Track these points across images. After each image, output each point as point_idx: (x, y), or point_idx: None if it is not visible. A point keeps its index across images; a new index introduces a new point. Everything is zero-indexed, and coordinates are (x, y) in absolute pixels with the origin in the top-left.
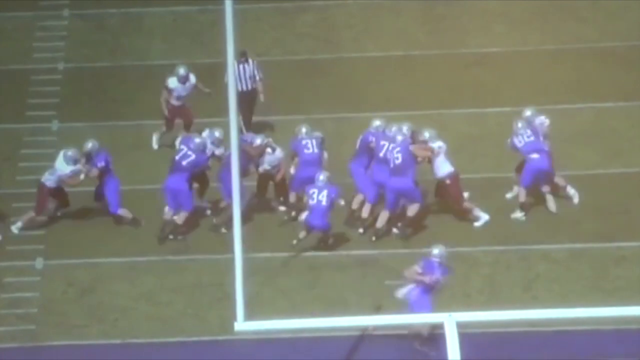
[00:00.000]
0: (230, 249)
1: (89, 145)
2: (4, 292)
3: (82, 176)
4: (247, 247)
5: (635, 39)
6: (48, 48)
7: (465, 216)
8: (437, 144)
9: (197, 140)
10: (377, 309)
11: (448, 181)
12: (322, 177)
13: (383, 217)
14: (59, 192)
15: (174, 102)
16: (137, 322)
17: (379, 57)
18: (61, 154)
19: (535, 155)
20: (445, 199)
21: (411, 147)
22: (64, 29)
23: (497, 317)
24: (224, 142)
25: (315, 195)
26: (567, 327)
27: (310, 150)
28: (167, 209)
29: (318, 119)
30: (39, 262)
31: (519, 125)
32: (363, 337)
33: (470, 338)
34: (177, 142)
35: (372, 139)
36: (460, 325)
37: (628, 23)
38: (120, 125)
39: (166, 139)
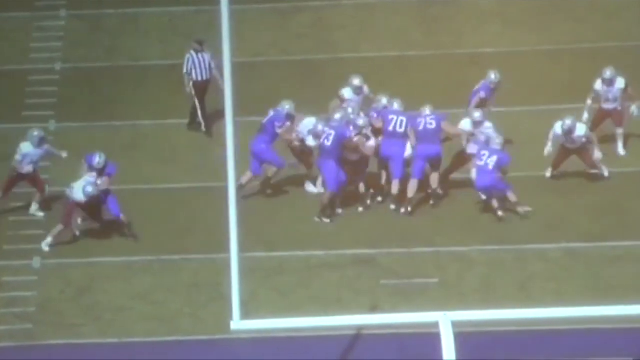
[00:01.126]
0: (226, 248)
1: (99, 160)
2: (1, 292)
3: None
4: (243, 246)
5: (632, 40)
6: (45, 48)
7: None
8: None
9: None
10: (373, 309)
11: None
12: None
13: (413, 186)
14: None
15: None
16: (133, 322)
17: (375, 57)
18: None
19: None
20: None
21: (444, 124)
22: (61, 30)
23: (492, 317)
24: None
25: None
26: (562, 327)
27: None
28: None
29: None
30: (37, 262)
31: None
32: (358, 337)
33: (465, 337)
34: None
35: (374, 114)
36: (456, 325)
37: (625, 23)
38: (116, 126)
39: (162, 137)
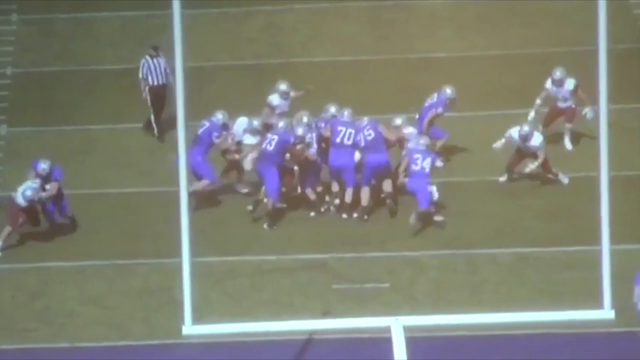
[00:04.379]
0: (178, 253)
1: (43, 166)
2: None
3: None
4: (194, 251)
5: (582, 44)
6: None
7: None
8: (409, 130)
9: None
10: (325, 314)
11: None
12: (422, 141)
13: (365, 194)
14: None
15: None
16: (85, 326)
17: (327, 61)
18: (22, 188)
19: None
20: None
21: (380, 129)
22: (12, 34)
23: (444, 321)
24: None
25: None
26: (513, 331)
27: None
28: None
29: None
30: None
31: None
32: (310, 341)
33: (417, 342)
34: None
35: (323, 125)
36: (407, 329)
37: (574, 28)
38: (68, 130)
39: (114, 142)
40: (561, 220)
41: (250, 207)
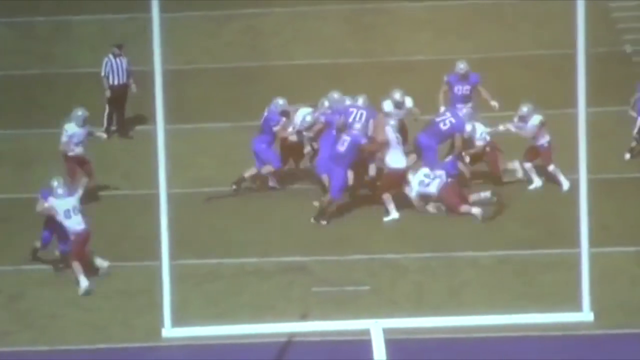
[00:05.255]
0: (157, 255)
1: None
2: None
3: None
4: (174, 253)
5: (563, 47)
6: None
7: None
8: (396, 135)
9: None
10: (304, 316)
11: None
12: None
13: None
14: None
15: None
16: (65, 329)
17: (307, 65)
18: None
19: None
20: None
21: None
22: None
23: (424, 324)
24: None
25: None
26: (493, 334)
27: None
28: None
29: (245, 127)
30: None
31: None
32: (290, 344)
33: (396, 344)
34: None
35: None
36: (387, 332)
37: (555, 31)
38: (49, 133)
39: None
40: (540, 223)
41: (234, 187)
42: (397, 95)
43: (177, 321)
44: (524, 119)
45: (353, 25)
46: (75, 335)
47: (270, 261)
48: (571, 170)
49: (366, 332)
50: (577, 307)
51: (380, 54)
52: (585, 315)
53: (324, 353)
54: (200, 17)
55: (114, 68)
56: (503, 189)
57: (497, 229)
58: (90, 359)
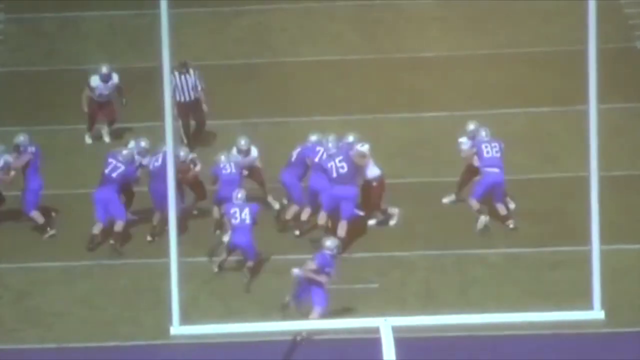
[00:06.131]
0: (165, 253)
1: (20, 138)
2: None
3: (12, 172)
4: (182, 251)
5: (569, 44)
6: None
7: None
8: (365, 146)
9: (125, 151)
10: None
11: (375, 183)
12: (240, 195)
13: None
14: None
15: (96, 99)
16: (72, 327)
17: (315, 61)
18: None
19: (494, 170)
20: (366, 199)
21: (352, 153)
22: (0, 33)
23: (433, 322)
24: (150, 151)
25: (237, 215)
26: (502, 332)
27: (229, 171)
28: (97, 223)
29: (254, 123)
30: None
31: (483, 134)
32: (297, 342)
33: (406, 342)
34: (106, 156)
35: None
36: (396, 330)
37: (562, 28)
38: (55, 130)
39: (102, 142)
40: (551, 220)
41: None
42: (104, 69)
43: (185, 319)
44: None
45: (361, 22)
46: (82, 332)
47: (279, 258)
48: (582, 167)
49: (375, 330)
50: (588, 305)
51: (388, 50)
52: (596, 313)
53: (333, 351)
54: (208, 13)
55: (180, 86)
56: (511, 185)
57: (506, 226)
58: (97, 356)
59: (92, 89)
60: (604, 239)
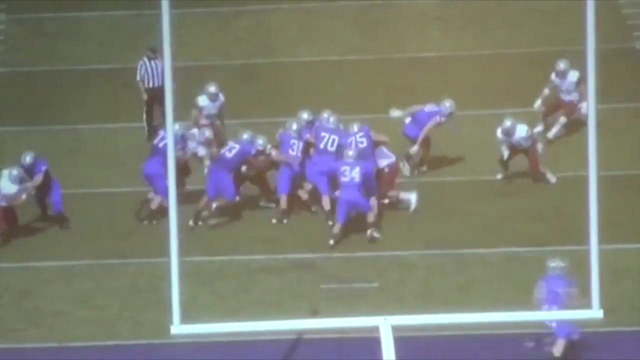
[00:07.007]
0: (166, 252)
1: (27, 158)
2: None
3: (24, 195)
4: (182, 250)
5: (569, 44)
6: None
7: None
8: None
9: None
10: (313, 313)
11: (387, 170)
12: (350, 152)
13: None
14: (8, 212)
15: (204, 121)
16: (73, 326)
17: (315, 61)
18: (5, 174)
19: None
20: (378, 185)
21: (372, 134)
22: (1, 33)
23: (432, 321)
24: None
25: (347, 172)
26: (502, 331)
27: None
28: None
29: (254, 124)
30: None
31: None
32: (299, 341)
33: (405, 341)
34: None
35: (307, 135)
36: (396, 329)
37: (562, 28)
38: (56, 130)
39: (102, 141)
40: (550, 219)
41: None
42: (212, 89)
43: (185, 318)
44: (562, 74)
45: (361, 22)
46: (83, 332)
47: (279, 258)
48: (581, 167)
49: (375, 329)
50: (587, 304)
51: (388, 50)
52: (595, 312)
53: (332, 350)
54: (208, 13)
55: (148, 71)
56: (511, 184)
57: (506, 225)
58: (98, 356)
59: (199, 109)
60: (603, 239)
